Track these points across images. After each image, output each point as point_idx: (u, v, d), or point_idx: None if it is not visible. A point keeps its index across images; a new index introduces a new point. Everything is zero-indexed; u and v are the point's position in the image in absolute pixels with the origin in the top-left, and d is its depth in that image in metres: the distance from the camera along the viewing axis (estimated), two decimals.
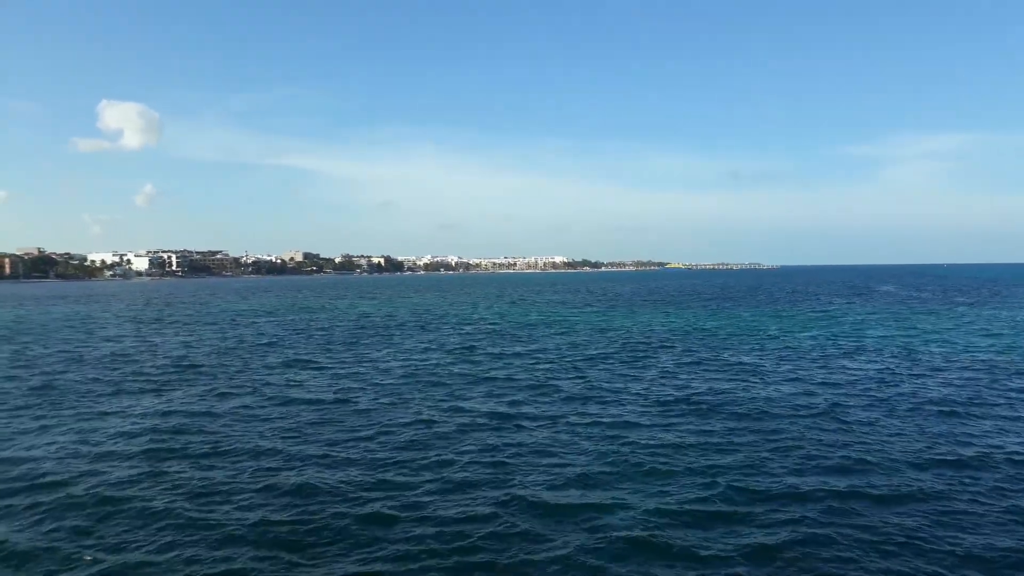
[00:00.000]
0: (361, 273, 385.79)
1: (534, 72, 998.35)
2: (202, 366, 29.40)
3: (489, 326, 48.28)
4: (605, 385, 23.39)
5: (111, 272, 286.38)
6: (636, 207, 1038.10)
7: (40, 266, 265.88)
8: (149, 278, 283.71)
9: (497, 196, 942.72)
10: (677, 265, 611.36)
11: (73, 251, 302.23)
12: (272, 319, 57.69)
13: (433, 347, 35.39)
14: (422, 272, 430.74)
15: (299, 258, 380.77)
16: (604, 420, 18.17)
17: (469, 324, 50.23)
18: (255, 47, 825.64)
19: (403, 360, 30.53)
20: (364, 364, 29.41)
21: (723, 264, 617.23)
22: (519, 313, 61.63)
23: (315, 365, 29.30)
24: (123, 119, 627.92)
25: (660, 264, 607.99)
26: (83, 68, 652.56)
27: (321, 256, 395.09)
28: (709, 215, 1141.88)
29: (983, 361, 27.98)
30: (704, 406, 19.73)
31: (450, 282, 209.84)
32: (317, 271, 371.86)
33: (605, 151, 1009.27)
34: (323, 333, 44.04)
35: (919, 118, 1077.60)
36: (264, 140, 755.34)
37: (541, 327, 46.74)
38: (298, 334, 43.57)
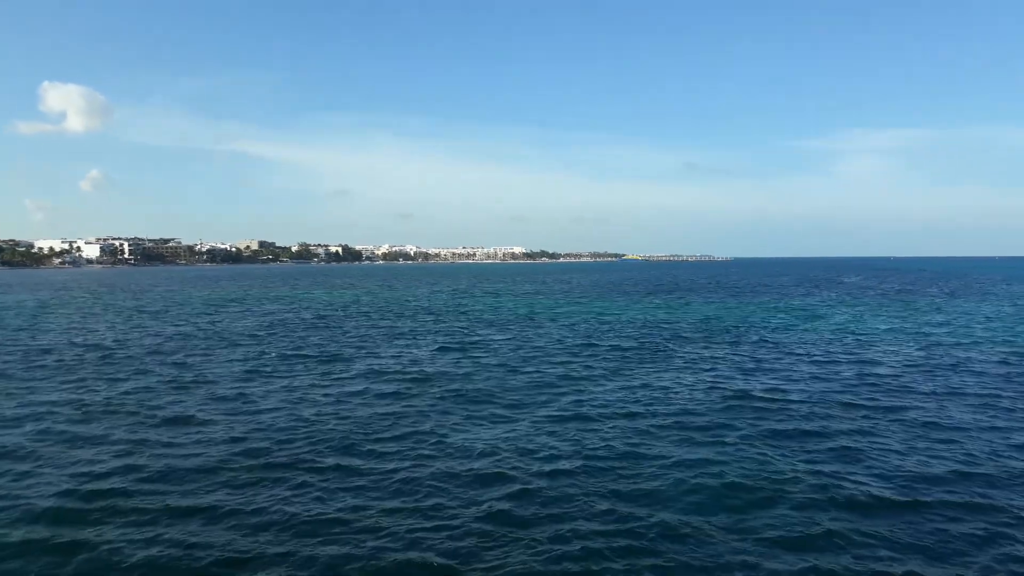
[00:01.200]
0: (319, 262, 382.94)
1: (494, 62, 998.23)
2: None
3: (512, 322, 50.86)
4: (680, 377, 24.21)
5: (60, 260, 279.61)
6: (593, 198, 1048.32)
7: None
8: (100, 266, 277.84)
9: (456, 186, 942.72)
10: (634, 256, 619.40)
11: (18, 237, 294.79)
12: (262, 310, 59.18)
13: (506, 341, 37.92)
14: (381, 262, 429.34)
15: (255, 247, 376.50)
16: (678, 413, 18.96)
17: (472, 315, 52.78)
18: (205, 29, 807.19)
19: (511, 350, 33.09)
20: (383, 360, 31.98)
21: (676, 256, 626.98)
22: (514, 305, 64.42)
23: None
24: (67, 101, 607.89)
25: (617, 255, 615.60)
26: (22, 49, 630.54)
27: (277, 245, 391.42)
28: (664, 207, 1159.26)
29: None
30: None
31: (412, 272, 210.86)
32: (273, 260, 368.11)
33: (564, 142, 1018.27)
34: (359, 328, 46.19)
35: (868, 113, 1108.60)
36: (216, 126, 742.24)
37: (546, 321, 47.10)
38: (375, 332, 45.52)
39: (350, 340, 34.31)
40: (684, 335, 35.96)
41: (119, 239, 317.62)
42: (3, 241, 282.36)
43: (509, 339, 34.63)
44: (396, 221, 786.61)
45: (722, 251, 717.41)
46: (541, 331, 38.36)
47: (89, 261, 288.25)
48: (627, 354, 29.20)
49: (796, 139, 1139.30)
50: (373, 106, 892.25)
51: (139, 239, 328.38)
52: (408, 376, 23.82)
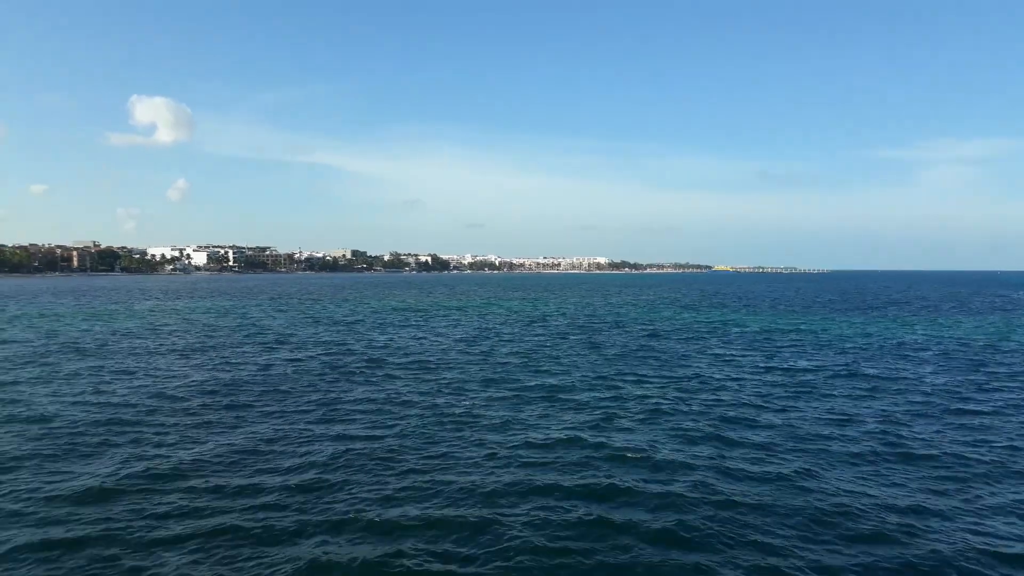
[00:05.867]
0: (409, 271, 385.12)
1: (559, 72, 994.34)
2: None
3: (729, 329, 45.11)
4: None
5: (171, 267, 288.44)
6: (662, 208, 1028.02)
7: (106, 259, 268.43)
8: (208, 273, 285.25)
9: (522, 195, 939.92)
10: (724, 268, 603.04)
11: (130, 245, 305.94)
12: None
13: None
14: (468, 271, 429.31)
15: (349, 255, 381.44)
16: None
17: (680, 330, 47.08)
18: (281, 43, 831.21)
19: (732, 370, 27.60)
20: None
21: (761, 267, 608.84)
22: (695, 315, 58.39)
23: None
24: (155, 114, 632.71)
25: (702, 267, 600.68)
26: (111, 63, 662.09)
27: (369, 254, 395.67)
28: (737, 216, 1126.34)
29: None
30: None
31: (511, 281, 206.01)
32: (367, 268, 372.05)
33: (631, 152, 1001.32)
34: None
35: (952, 123, 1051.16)
36: (292, 137, 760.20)
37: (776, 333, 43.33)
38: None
39: (720, 358, 28.83)
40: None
41: (222, 247, 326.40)
42: (118, 248, 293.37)
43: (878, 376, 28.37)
44: (467, 231, 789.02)
45: (806, 263, 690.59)
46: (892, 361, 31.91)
47: (197, 268, 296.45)
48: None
49: (876, 148, 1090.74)
50: (441, 116, 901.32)
51: (239, 247, 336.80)
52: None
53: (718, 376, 24.96)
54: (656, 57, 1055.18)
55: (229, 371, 25.94)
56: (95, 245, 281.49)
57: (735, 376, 25.06)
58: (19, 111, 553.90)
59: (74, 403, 19.57)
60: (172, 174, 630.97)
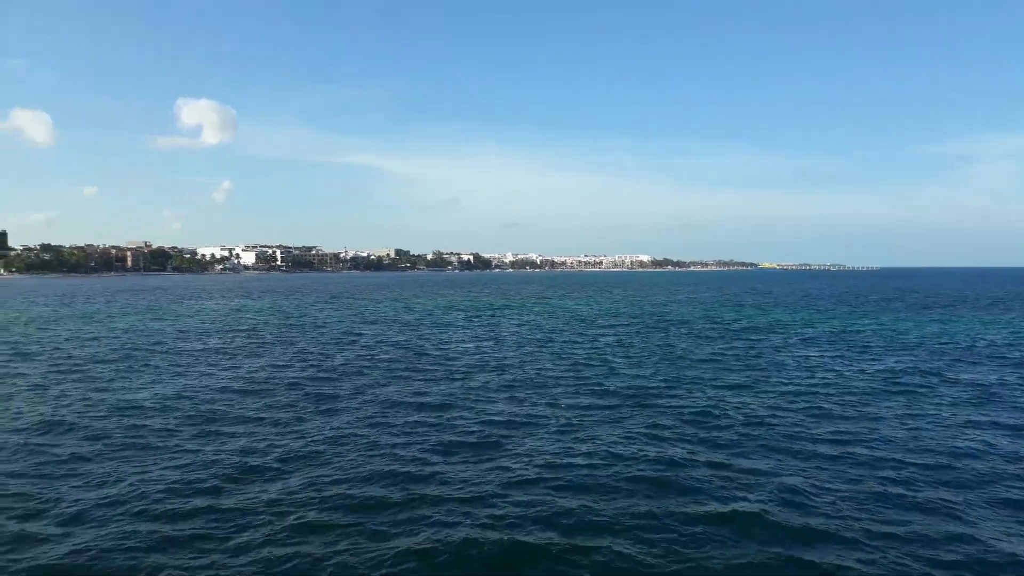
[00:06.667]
0: (452, 270, 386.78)
1: (594, 71, 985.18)
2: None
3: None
4: None
5: (221, 266, 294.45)
6: (699, 205, 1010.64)
7: (158, 259, 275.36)
8: (256, 272, 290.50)
9: (558, 194, 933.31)
10: (770, 265, 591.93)
11: (179, 245, 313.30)
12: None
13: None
14: (509, 269, 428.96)
15: (392, 254, 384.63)
16: None
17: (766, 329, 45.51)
18: (320, 46, 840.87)
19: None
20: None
21: (806, 265, 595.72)
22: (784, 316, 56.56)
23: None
24: (201, 116, 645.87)
25: (747, 264, 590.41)
26: (158, 67, 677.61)
27: (412, 253, 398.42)
28: (782, 214, 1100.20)
29: None
30: None
31: (554, 280, 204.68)
32: (411, 267, 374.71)
33: (666, 149, 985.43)
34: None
35: (999, 116, 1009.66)
36: (332, 138, 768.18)
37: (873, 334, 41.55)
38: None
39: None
40: None
41: (269, 246, 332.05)
42: (169, 248, 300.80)
43: None
44: (504, 230, 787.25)
45: (853, 260, 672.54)
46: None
47: (246, 267, 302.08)
48: None
49: (922, 143, 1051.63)
50: (476, 116, 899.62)
51: (286, 246, 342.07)
52: None
53: (812, 381, 23.59)
54: (691, 55, 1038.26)
55: (311, 367, 25.77)
56: (147, 245, 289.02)
57: (831, 380, 23.68)
58: (72, 117, 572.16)
59: (177, 397, 19.39)
60: (217, 175, 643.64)
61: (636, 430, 16.65)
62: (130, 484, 12.52)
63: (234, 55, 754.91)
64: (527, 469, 13.50)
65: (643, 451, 14.75)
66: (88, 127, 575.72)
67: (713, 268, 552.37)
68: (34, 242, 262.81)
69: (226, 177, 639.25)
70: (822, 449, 15.02)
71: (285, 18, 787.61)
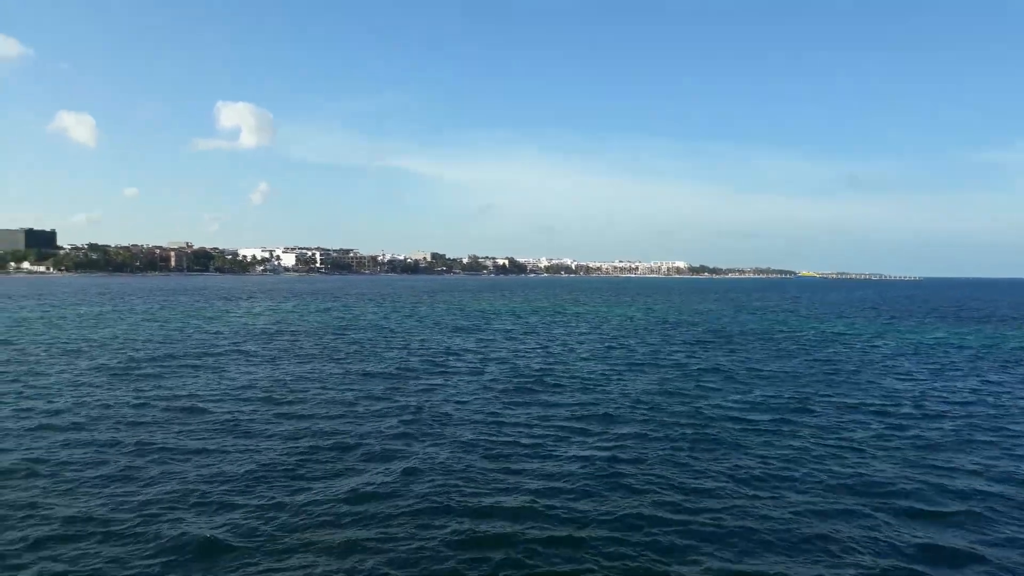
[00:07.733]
0: (487, 274, 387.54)
1: (632, 74, 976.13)
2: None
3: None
4: None
5: (262, 267, 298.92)
6: (741, 212, 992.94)
7: (200, 260, 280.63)
8: (296, 274, 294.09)
9: (593, 199, 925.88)
10: (809, 274, 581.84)
11: (220, 246, 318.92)
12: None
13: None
14: (544, 274, 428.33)
15: (429, 258, 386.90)
16: None
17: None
18: (356, 52, 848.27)
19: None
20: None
21: (844, 273, 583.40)
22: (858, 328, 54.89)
23: None
24: (239, 118, 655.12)
25: (785, 272, 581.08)
26: (196, 70, 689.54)
27: (447, 257, 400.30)
28: (820, 222, 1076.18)
29: None
30: None
31: (591, 285, 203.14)
32: (447, 271, 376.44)
33: (708, 153, 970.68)
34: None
35: None
36: (367, 143, 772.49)
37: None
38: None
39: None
40: None
41: (308, 248, 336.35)
42: (211, 249, 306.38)
43: None
44: (538, 235, 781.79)
45: (890, 269, 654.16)
46: None
47: (286, 269, 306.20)
48: None
49: (972, 150, 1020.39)
50: (515, 121, 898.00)
51: (324, 248, 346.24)
52: None
53: (907, 399, 22.52)
54: (733, 58, 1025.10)
55: (373, 369, 25.42)
56: (188, 246, 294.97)
57: (922, 398, 22.65)
58: (114, 119, 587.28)
59: (238, 394, 19.22)
60: (255, 178, 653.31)
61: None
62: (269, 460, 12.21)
63: (272, 59, 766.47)
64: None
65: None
66: (129, 129, 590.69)
67: (751, 275, 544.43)
68: (78, 241, 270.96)
69: (264, 179, 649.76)
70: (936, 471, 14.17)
71: (323, 23, 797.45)
